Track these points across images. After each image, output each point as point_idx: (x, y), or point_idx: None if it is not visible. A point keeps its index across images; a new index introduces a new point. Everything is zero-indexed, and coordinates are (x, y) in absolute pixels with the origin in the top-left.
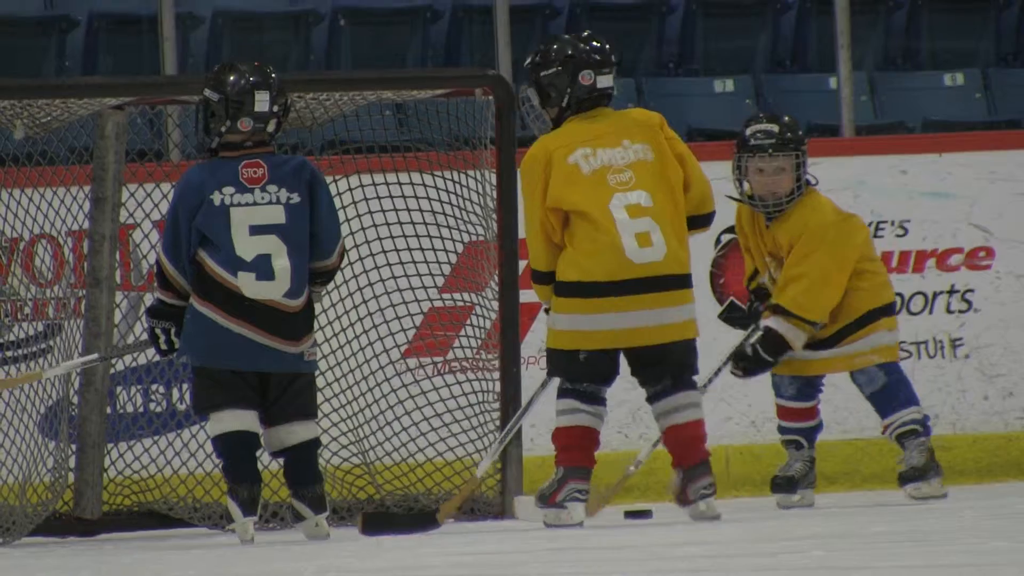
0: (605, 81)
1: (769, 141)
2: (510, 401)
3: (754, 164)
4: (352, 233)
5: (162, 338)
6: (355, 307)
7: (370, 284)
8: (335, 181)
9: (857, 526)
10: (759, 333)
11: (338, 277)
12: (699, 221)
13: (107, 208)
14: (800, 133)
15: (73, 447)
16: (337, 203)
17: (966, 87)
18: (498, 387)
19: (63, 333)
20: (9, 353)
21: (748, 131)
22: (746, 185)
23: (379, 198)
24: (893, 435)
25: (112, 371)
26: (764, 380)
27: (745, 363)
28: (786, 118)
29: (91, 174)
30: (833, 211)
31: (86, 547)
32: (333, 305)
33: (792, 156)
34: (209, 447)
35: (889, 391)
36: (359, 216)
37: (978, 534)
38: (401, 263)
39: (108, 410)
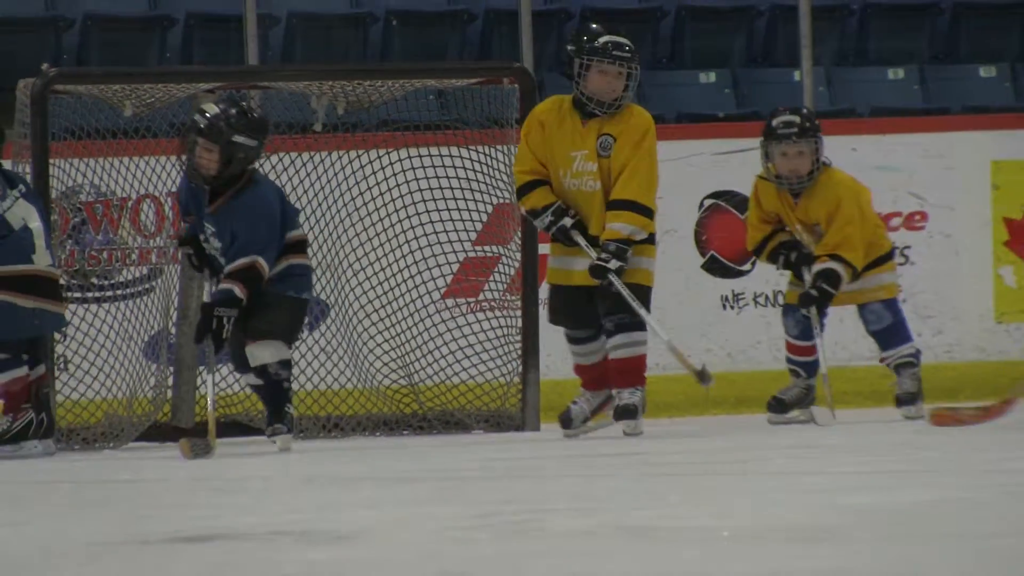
0: None
1: (792, 130)
2: (529, 335)
3: (779, 149)
4: (402, 196)
5: (227, 327)
6: (403, 256)
7: (416, 238)
8: (387, 153)
9: (816, 439)
10: (818, 275)
11: (394, 232)
12: None
13: None
14: (816, 122)
15: (171, 369)
16: (388, 171)
17: (906, 80)
18: (519, 323)
19: (163, 276)
20: (118, 292)
21: (774, 122)
22: (771, 167)
23: (424, 167)
24: (892, 365)
25: None
26: (735, 321)
27: (816, 301)
28: (804, 109)
29: (186, 145)
30: (853, 183)
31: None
32: (387, 255)
33: (812, 141)
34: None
35: (892, 329)
36: (408, 182)
37: (914, 446)
38: (441, 221)
39: None
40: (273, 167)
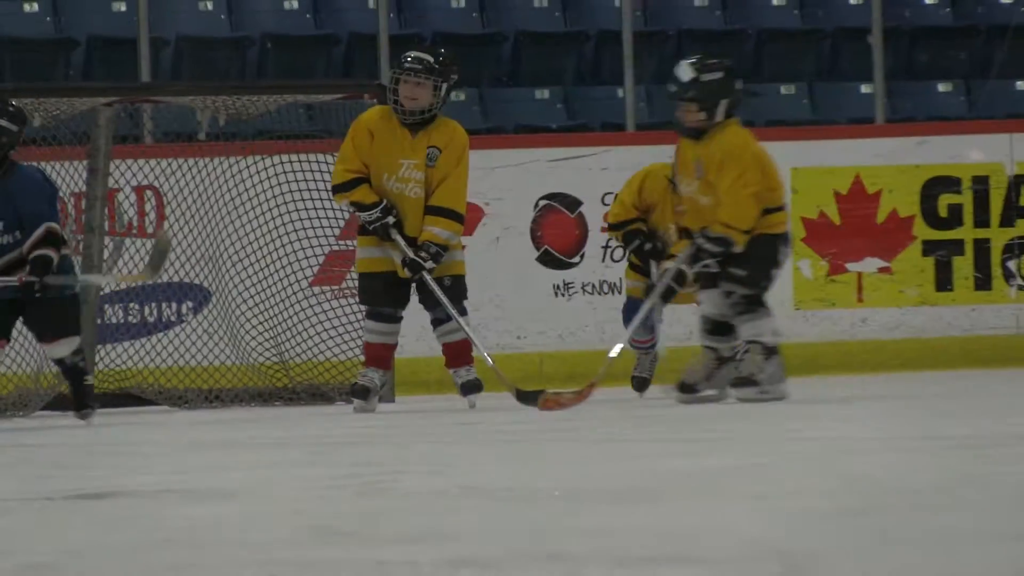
0: None
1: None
2: None
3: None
4: (275, 196)
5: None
6: (276, 249)
7: (287, 233)
8: (263, 159)
9: (638, 411)
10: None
11: (268, 228)
12: None
13: (99, 176)
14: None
15: None
16: (263, 175)
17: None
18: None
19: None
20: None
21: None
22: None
23: (294, 172)
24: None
25: (101, 293)
26: (566, 307)
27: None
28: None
29: (88, 151)
30: None
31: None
32: (261, 247)
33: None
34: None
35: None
36: (280, 184)
37: (724, 417)
38: (309, 218)
39: (98, 320)
40: (163, 170)
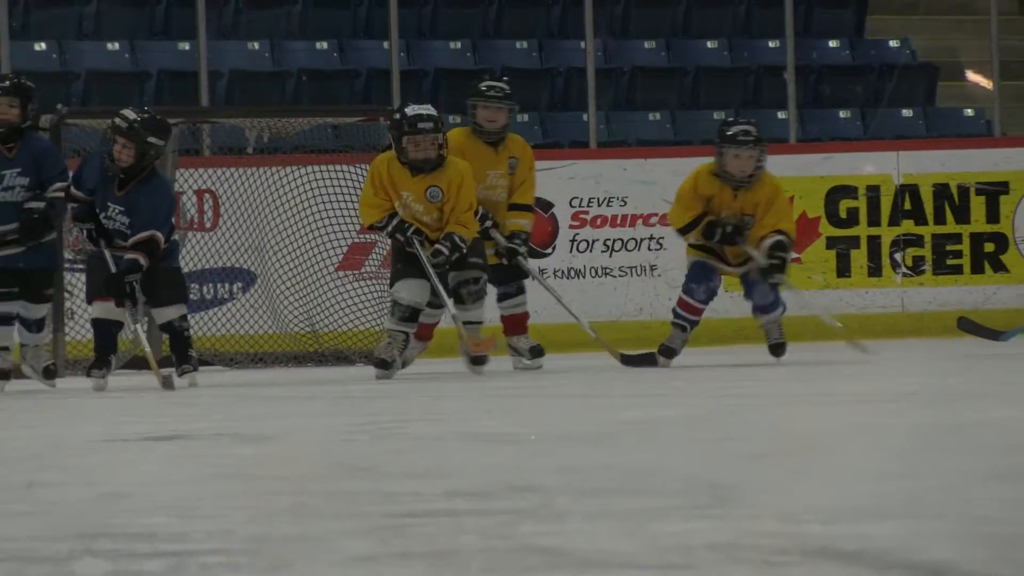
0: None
1: (749, 138)
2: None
3: (733, 152)
4: (308, 198)
5: (136, 289)
6: (309, 240)
7: (317, 227)
8: (299, 168)
9: (604, 371)
10: (772, 247)
11: (302, 223)
12: None
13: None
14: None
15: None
16: (299, 181)
17: (661, 121)
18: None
19: None
20: None
21: (731, 130)
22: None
23: (323, 179)
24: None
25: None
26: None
27: (778, 268)
28: (754, 121)
29: (159, 162)
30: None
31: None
32: (297, 239)
33: (758, 149)
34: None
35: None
36: (313, 188)
37: (670, 376)
38: (336, 216)
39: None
40: (218, 177)
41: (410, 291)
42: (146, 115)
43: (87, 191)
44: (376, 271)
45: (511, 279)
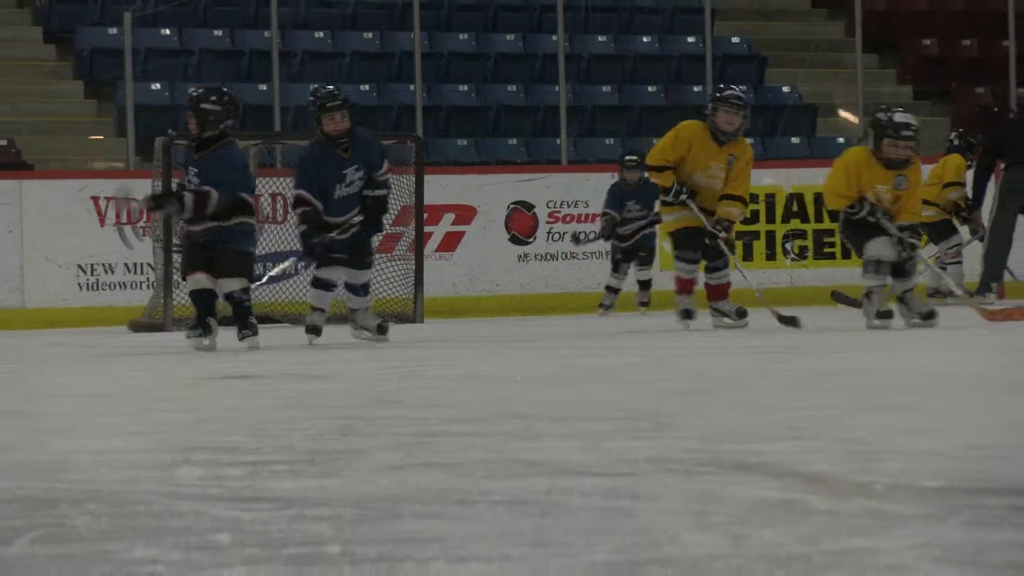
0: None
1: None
2: (420, 274)
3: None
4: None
5: (166, 209)
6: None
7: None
8: None
9: (571, 331)
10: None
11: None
12: None
13: None
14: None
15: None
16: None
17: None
18: (413, 268)
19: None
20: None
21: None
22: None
23: None
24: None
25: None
26: (526, 268)
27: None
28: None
29: None
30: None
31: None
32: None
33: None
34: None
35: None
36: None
37: (627, 332)
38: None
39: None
40: (287, 184)
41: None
42: (202, 89)
43: (182, 164)
44: (404, 254)
45: (718, 255)
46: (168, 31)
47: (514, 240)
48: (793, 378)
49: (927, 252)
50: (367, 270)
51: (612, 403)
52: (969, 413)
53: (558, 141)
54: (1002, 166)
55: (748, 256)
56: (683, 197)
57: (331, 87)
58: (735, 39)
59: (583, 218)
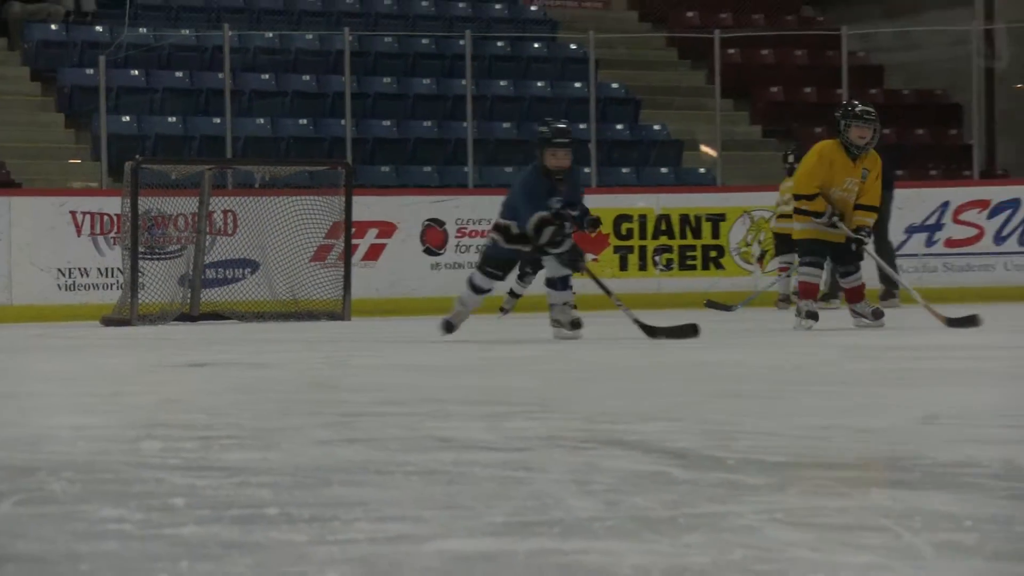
0: None
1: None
2: (348, 279)
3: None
4: (294, 216)
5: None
6: (294, 242)
7: (299, 235)
8: (288, 197)
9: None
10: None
11: (288, 231)
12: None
13: (204, 204)
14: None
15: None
16: (288, 205)
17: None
18: (342, 274)
19: (186, 248)
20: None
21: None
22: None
23: (303, 204)
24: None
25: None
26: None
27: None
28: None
29: (199, 191)
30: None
31: (191, 325)
32: (285, 241)
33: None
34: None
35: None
36: (297, 210)
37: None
38: (312, 228)
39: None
40: (237, 202)
41: None
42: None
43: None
44: (335, 262)
45: (852, 260)
46: (137, 72)
47: (428, 252)
48: (666, 368)
49: (790, 260)
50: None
51: (511, 389)
52: (805, 400)
53: (466, 169)
54: None
55: (624, 267)
56: (835, 220)
57: (564, 123)
58: (614, 85)
59: (487, 233)
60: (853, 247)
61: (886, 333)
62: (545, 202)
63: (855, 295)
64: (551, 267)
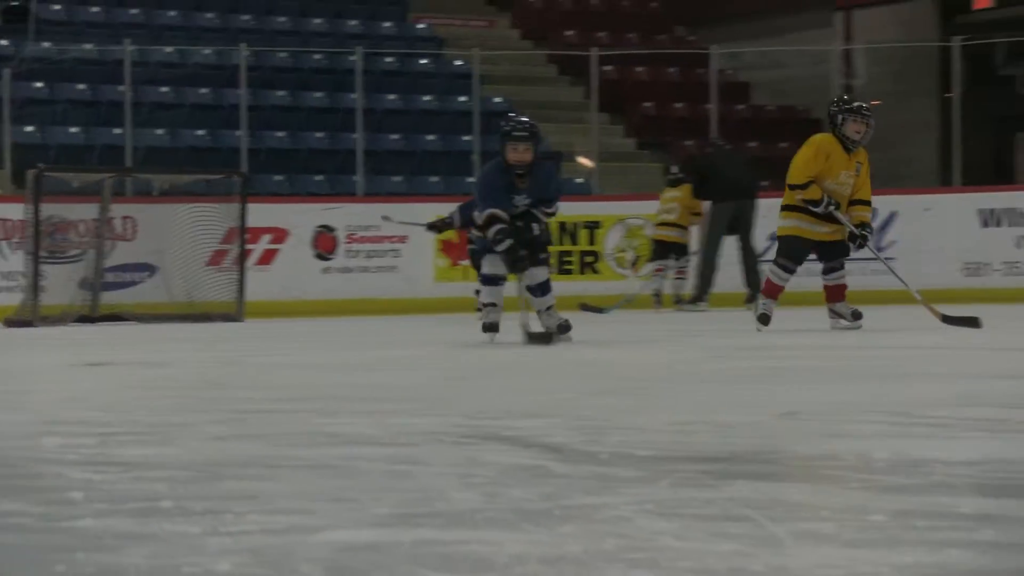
0: None
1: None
2: (242, 283)
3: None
4: (188, 222)
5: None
6: (189, 246)
7: (196, 240)
8: (185, 205)
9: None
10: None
11: (185, 236)
12: None
13: (104, 210)
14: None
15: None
16: (182, 213)
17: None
18: (237, 278)
19: (86, 253)
20: (65, 259)
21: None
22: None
23: (199, 211)
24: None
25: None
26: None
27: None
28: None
29: (100, 198)
30: None
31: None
32: (181, 246)
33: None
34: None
35: None
36: (191, 216)
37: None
38: (207, 233)
39: (102, 279)
40: (137, 209)
41: None
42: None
43: None
44: (230, 266)
45: (838, 257)
46: (41, 84)
47: (319, 256)
48: (544, 367)
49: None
50: (543, 267)
51: (397, 387)
52: (673, 397)
53: (355, 178)
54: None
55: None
56: (831, 208)
57: (525, 119)
58: (497, 99)
59: (374, 239)
60: (856, 243)
61: (755, 332)
62: (505, 197)
63: (836, 294)
64: (529, 276)
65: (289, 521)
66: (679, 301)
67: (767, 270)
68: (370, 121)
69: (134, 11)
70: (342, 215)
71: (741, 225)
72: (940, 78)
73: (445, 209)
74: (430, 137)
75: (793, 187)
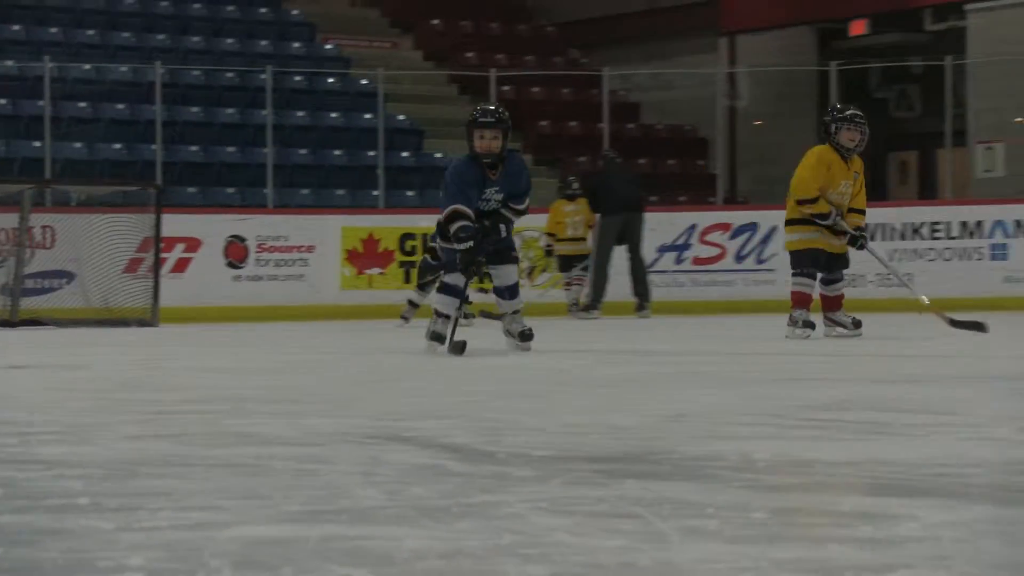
0: None
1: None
2: (156, 288)
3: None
4: (108, 231)
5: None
6: (111, 252)
7: (115, 247)
8: (101, 214)
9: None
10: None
11: (103, 244)
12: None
13: (24, 220)
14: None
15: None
16: (99, 222)
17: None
18: (152, 284)
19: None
20: None
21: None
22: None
23: (116, 221)
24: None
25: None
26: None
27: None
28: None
29: (20, 207)
30: None
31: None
32: (99, 253)
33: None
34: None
35: None
36: (109, 225)
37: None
38: (122, 241)
39: (22, 285)
40: (55, 218)
41: None
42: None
43: None
44: (145, 274)
45: (839, 268)
46: None
47: (230, 265)
48: (446, 371)
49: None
50: (512, 265)
51: (306, 390)
52: (568, 400)
53: (266, 190)
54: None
55: (407, 279)
56: (838, 219)
57: (493, 106)
58: (401, 116)
59: (284, 248)
60: (857, 246)
61: (645, 339)
62: (476, 193)
63: (834, 303)
64: (499, 277)
65: (200, 517)
66: (574, 306)
67: (791, 283)
68: (280, 136)
69: (54, 30)
70: (253, 225)
71: (630, 237)
72: (818, 100)
73: (356, 220)
74: (337, 152)
75: (802, 201)
